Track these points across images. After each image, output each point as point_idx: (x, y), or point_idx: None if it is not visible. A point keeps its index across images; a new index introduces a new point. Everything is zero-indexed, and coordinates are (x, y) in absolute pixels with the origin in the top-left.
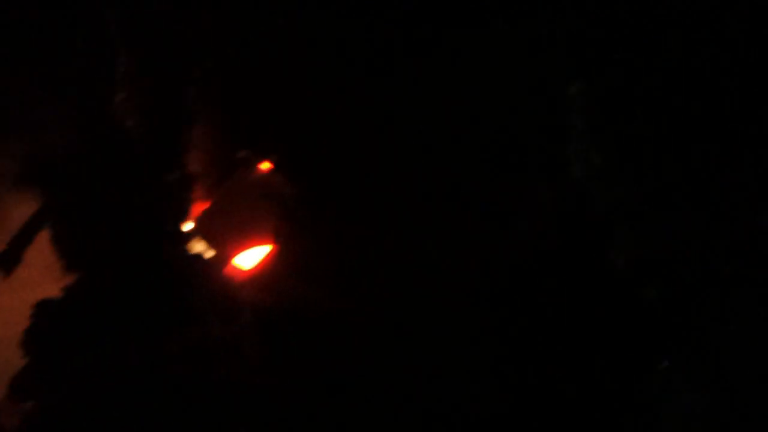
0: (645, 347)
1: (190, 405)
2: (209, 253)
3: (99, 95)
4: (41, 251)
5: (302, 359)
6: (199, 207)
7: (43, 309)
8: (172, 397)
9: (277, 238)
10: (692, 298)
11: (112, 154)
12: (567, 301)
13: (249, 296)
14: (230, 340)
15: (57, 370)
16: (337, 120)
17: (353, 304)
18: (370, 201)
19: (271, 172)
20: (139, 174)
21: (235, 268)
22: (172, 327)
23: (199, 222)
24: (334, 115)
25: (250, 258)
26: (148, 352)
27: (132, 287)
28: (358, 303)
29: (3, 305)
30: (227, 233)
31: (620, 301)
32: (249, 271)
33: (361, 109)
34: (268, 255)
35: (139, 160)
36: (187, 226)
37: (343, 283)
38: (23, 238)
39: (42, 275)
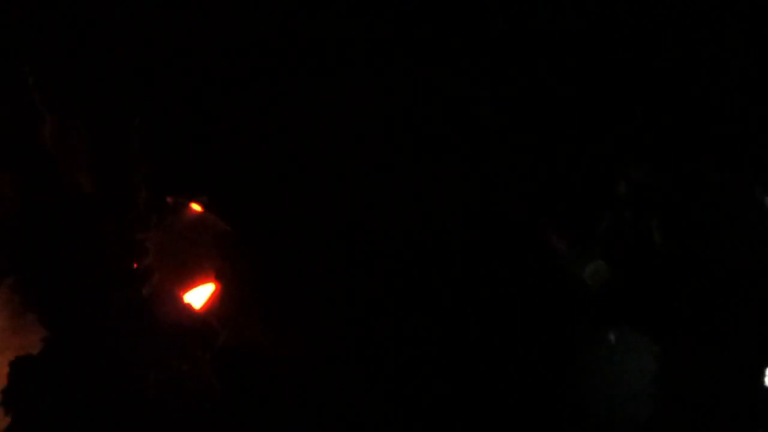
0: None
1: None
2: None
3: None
4: None
5: (255, 389)
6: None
7: (16, 366)
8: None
9: (218, 276)
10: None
11: (59, 209)
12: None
13: (202, 332)
14: (193, 373)
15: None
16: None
17: (295, 337)
18: (304, 233)
19: (203, 212)
20: (89, 223)
21: (185, 306)
22: (143, 365)
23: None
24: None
25: (198, 296)
26: (124, 391)
27: (96, 331)
28: (300, 336)
29: None
30: (173, 273)
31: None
32: (199, 308)
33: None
34: (213, 293)
35: (86, 209)
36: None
37: (284, 317)
38: None
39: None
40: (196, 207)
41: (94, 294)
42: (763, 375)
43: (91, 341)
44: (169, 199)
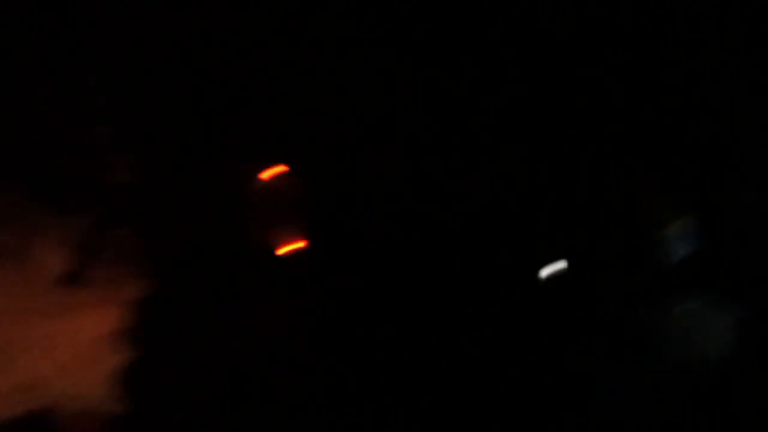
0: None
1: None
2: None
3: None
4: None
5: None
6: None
7: (131, 310)
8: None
9: (302, 237)
10: None
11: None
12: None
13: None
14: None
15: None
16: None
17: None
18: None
19: (285, 176)
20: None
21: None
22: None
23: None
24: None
25: (286, 254)
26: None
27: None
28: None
29: (61, 330)
30: (264, 233)
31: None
32: (286, 266)
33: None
34: (297, 252)
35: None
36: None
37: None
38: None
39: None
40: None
41: (199, 247)
42: None
43: (195, 292)
44: (249, 165)
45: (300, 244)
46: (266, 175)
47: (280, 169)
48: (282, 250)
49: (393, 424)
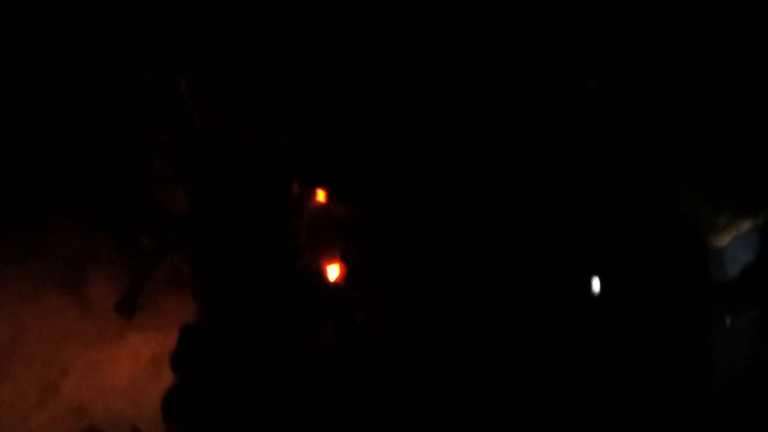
0: None
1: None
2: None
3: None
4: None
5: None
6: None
7: (187, 331)
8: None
9: (344, 259)
10: None
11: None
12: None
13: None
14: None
15: (206, 382)
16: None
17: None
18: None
19: (330, 200)
20: (249, 207)
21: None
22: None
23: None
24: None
25: (331, 274)
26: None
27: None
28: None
29: (106, 356)
30: (313, 254)
31: None
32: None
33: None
34: (340, 273)
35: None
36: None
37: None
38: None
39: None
40: (320, 196)
41: (253, 273)
42: None
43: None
44: (296, 186)
45: (339, 266)
46: (313, 198)
47: (322, 193)
48: (328, 273)
49: None
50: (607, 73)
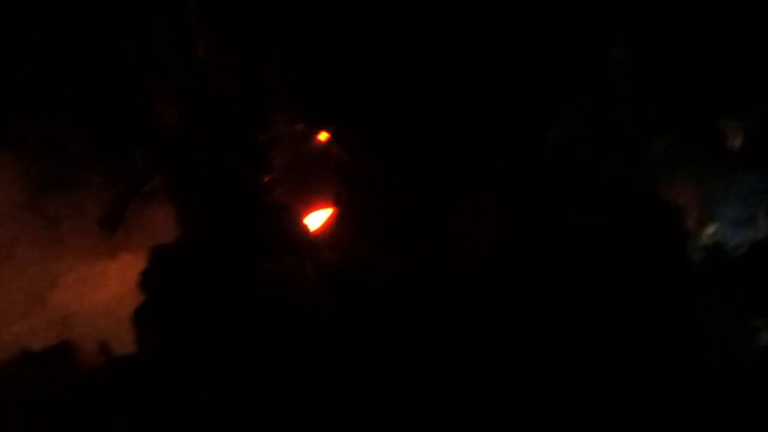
0: None
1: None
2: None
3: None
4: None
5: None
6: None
7: (159, 254)
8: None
9: (337, 202)
10: None
11: (210, 124)
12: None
13: (314, 253)
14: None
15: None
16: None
17: (405, 263)
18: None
19: (328, 142)
20: (233, 138)
21: (300, 223)
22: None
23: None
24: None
25: (316, 219)
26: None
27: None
28: (409, 262)
29: (94, 272)
30: (296, 192)
31: None
32: (315, 230)
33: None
34: (330, 217)
35: (231, 126)
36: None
37: (396, 244)
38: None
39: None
40: (322, 136)
41: (223, 198)
42: None
43: (217, 237)
44: (298, 126)
45: (329, 210)
46: (311, 137)
47: (323, 133)
48: (311, 215)
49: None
50: (628, 46)
